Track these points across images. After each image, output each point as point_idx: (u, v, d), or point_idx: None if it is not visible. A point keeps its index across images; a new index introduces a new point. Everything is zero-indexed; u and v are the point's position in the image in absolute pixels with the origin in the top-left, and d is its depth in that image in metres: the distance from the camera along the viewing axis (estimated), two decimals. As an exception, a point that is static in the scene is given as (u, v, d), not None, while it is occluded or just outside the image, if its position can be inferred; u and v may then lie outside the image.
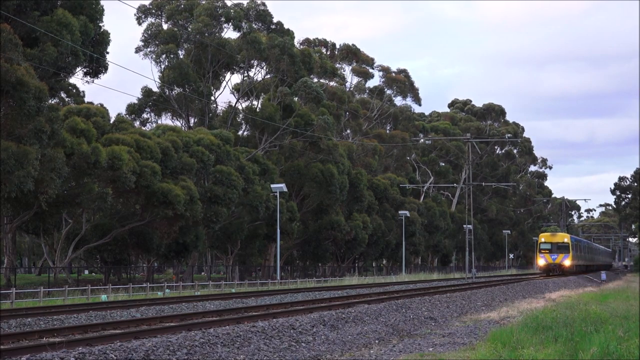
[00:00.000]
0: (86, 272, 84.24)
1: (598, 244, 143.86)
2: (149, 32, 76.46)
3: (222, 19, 76.32)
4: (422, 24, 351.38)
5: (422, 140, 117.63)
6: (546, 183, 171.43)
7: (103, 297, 39.99)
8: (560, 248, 76.35)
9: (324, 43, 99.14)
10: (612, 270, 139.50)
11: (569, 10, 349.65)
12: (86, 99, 69.27)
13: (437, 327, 25.42)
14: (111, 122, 61.25)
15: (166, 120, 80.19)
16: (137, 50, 76.91)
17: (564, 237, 77.60)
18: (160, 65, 76.80)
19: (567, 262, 76.35)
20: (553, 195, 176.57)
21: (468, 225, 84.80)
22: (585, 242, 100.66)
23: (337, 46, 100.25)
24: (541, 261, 77.18)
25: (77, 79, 69.86)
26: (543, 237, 78.30)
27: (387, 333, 22.94)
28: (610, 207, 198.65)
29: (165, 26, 77.44)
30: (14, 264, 64.07)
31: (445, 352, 18.43)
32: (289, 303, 30.28)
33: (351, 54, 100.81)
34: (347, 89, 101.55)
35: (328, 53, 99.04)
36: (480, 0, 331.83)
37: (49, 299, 38.73)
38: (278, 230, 65.50)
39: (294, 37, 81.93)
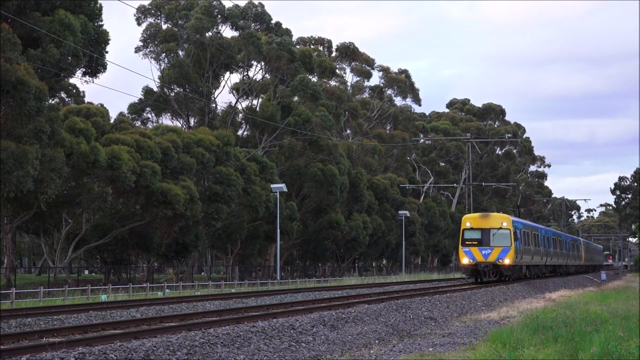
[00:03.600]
0: (86, 272, 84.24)
1: (576, 236, 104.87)
2: (148, 32, 76.56)
3: (219, 17, 76.39)
4: (423, 25, 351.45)
5: (422, 140, 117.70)
6: (546, 183, 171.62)
7: (103, 297, 39.97)
8: (497, 238, 49.94)
9: (320, 41, 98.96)
10: (602, 271, 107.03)
11: (570, 11, 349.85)
12: (87, 99, 69.52)
13: (437, 327, 25.42)
14: (112, 122, 61.36)
15: (166, 120, 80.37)
16: (137, 50, 77.07)
17: (502, 220, 50.60)
18: (160, 64, 76.97)
19: (508, 261, 49.72)
20: (553, 195, 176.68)
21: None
22: (549, 232, 67.21)
23: (335, 45, 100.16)
24: (465, 259, 50.06)
25: (77, 78, 69.93)
26: (468, 221, 50.81)
27: (387, 333, 22.93)
28: (610, 207, 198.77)
29: (164, 26, 77.52)
30: (14, 264, 64.08)
31: (445, 352, 18.43)
32: (289, 303, 30.26)
33: (350, 53, 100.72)
34: (347, 89, 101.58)
35: (326, 52, 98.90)
36: (481, 1, 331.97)
37: (49, 299, 38.72)
38: (278, 230, 65.53)
39: (292, 36, 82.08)
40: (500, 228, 50.16)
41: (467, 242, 50.35)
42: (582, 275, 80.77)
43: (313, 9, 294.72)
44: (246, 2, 79.24)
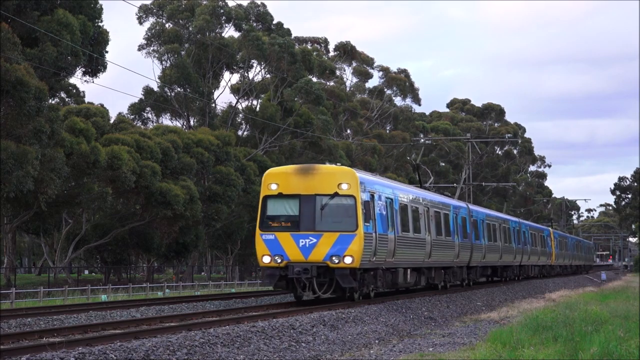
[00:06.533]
0: (86, 272, 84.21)
1: (544, 226, 76.00)
2: (152, 31, 76.54)
3: (224, 18, 76.41)
4: (425, 26, 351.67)
5: (422, 140, 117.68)
6: (546, 183, 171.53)
7: (103, 297, 39.98)
8: (329, 213, 26.23)
9: (316, 41, 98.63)
10: (586, 273, 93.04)
11: (570, 11, 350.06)
12: (88, 100, 69.36)
13: (437, 327, 25.43)
14: (112, 122, 61.34)
15: (166, 120, 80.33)
16: (140, 48, 77.04)
17: (341, 180, 26.24)
18: (162, 64, 76.92)
19: (350, 259, 25.72)
20: (553, 195, 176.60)
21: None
22: (480, 214, 44.45)
23: (333, 44, 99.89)
24: (266, 256, 26.52)
25: (77, 78, 69.90)
26: (274, 181, 26.88)
27: (387, 333, 22.94)
28: (610, 207, 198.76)
29: (167, 25, 77.48)
30: (14, 264, 64.06)
31: (445, 352, 18.44)
32: (289, 303, 30.25)
33: (348, 51, 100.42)
34: (347, 89, 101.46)
35: (323, 51, 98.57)
36: (481, 2, 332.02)
37: (49, 299, 38.73)
38: (278, 230, 65.39)
39: (291, 36, 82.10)
40: (337, 194, 26.24)
41: (271, 223, 26.97)
42: (554, 279, 64.69)
43: (313, 9, 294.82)
44: (248, 1, 79.23)
